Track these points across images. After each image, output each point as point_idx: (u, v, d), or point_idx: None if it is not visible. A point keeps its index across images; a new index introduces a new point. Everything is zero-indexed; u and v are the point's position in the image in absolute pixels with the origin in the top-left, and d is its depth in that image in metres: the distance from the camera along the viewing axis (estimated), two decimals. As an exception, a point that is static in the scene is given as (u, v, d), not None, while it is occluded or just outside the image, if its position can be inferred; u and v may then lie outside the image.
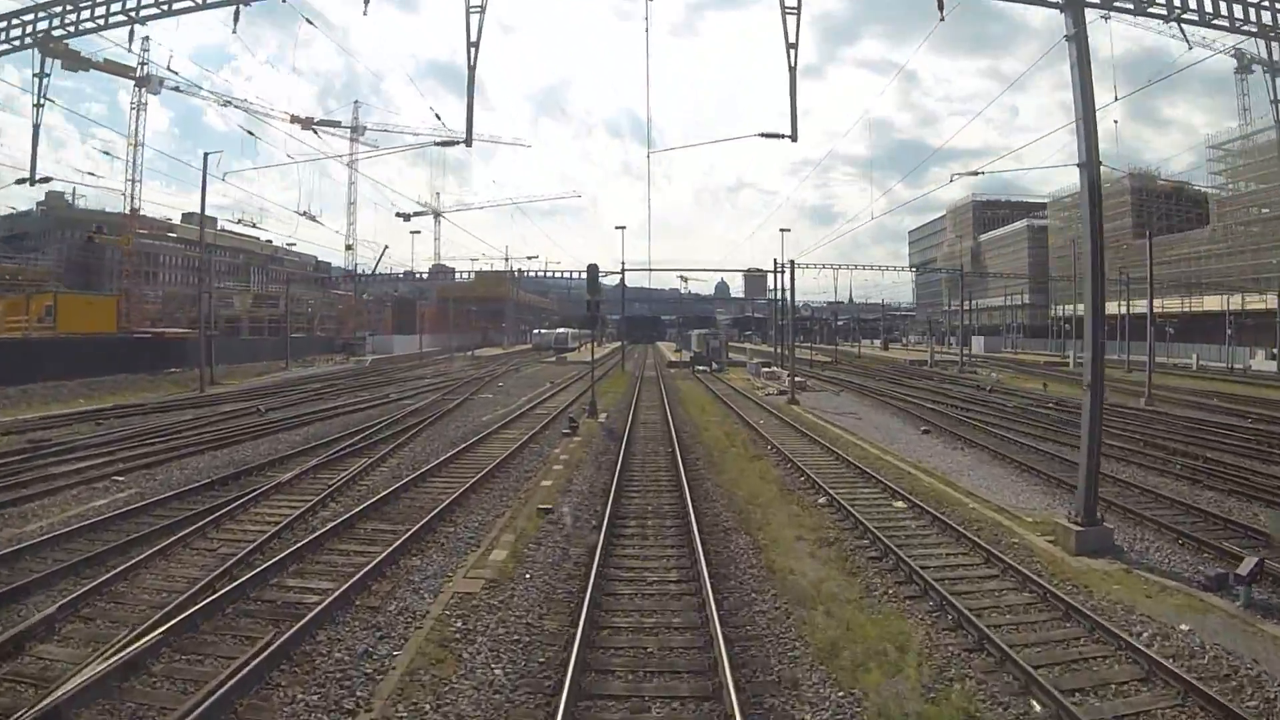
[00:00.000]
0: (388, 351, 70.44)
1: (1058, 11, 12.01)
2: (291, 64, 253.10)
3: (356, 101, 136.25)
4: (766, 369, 42.22)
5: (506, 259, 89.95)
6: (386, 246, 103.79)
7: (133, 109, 74.51)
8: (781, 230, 58.54)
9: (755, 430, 22.94)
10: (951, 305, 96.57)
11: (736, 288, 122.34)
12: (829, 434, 22.60)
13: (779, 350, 53.54)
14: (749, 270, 51.10)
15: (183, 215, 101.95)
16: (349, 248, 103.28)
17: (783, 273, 49.31)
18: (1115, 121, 76.43)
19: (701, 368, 49.81)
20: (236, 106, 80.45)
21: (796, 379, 36.48)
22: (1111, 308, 78.84)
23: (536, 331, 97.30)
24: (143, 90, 73.70)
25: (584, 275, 28.90)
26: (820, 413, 28.22)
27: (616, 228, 70.34)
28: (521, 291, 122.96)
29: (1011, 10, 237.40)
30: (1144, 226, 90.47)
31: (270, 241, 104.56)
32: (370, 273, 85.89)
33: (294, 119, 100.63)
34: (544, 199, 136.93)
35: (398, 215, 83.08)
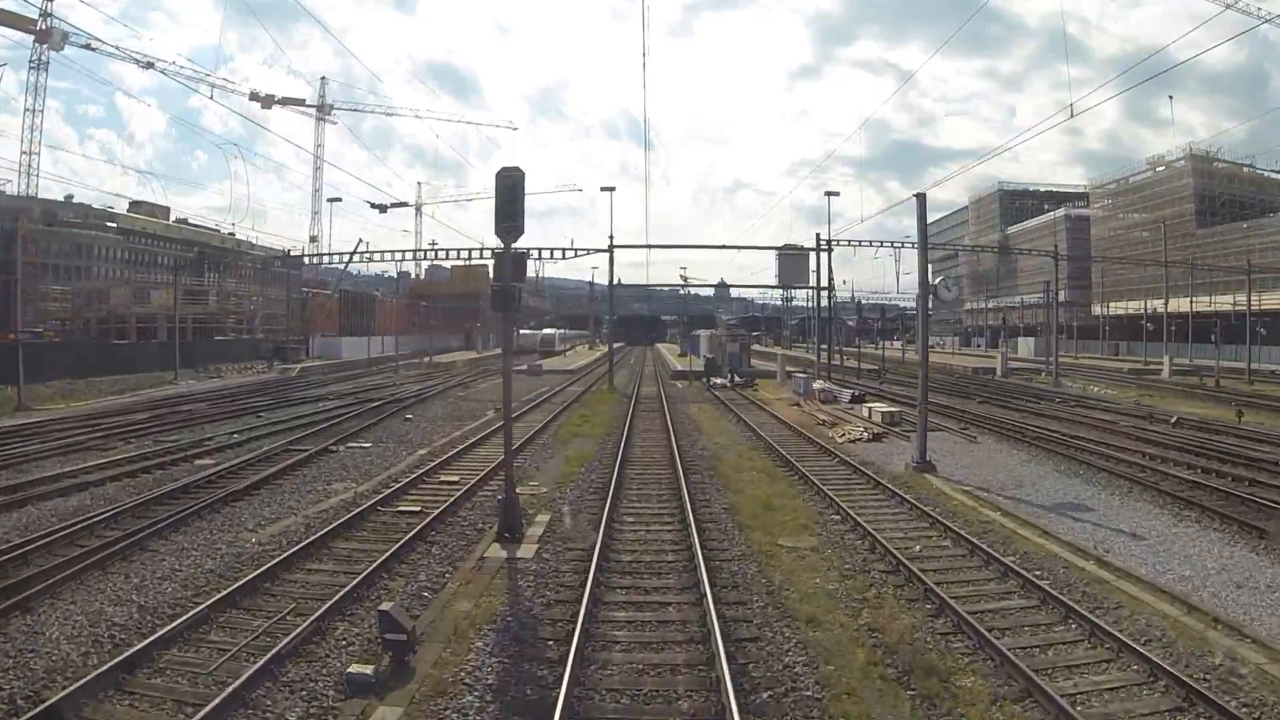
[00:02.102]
0: (334, 356, 55.09)
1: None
2: (288, 63, 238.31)
3: (324, 78, 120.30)
4: (822, 389, 26.64)
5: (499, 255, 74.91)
6: (361, 239, 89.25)
7: (31, 68, 59.85)
8: (828, 194, 42.35)
9: (947, 607, 7.72)
10: (985, 304, 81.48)
11: (737, 284, 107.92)
12: (1160, 636, 7.33)
13: (819, 357, 38.29)
14: (784, 248, 35.59)
15: (130, 204, 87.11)
16: (313, 239, 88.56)
17: (829, 250, 34.24)
18: (1170, 97, 61.32)
19: (719, 381, 34.36)
20: (161, 71, 65.95)
21: (875, 404, 21.39)
22: (1174, 305, 64.25)
23: (519, 332, 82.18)
24: (43, 46, 59.05)
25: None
26: (1002, 500, 12.37)
27: (603, 189, 55.21)
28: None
29: (1009, 10, 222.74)
30: (1207, 214, 76.28)
31: (233, 234, 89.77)
32: (344, 267, 70.44)
33: (253, 96, 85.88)
34: (542, 193, 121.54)
35: (372, 206, 68.09)
